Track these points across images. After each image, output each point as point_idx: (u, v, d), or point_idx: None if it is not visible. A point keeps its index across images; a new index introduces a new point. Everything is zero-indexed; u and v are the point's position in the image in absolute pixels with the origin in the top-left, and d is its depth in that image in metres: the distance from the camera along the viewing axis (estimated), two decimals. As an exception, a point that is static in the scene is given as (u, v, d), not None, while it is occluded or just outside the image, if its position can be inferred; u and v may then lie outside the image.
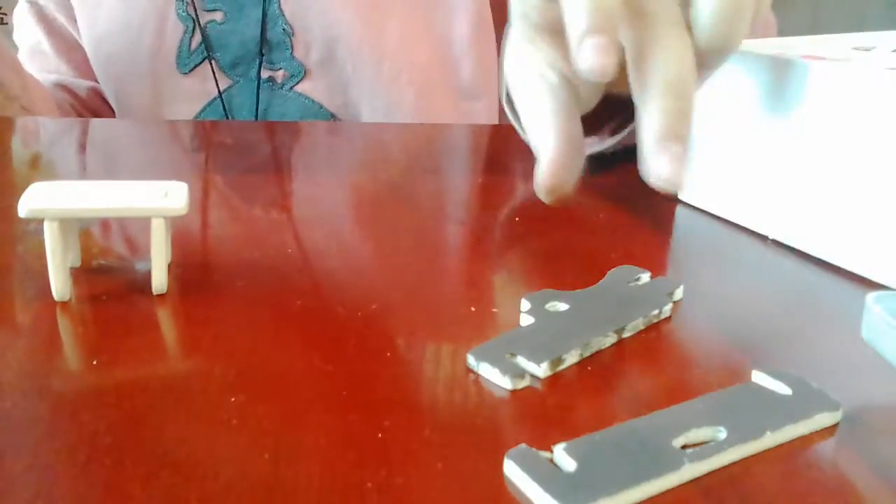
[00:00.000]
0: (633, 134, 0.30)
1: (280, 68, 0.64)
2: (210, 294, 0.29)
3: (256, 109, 0.64)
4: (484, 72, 0.64)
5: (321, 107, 0.64)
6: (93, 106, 0.71)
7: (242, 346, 0.26)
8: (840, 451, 0.21)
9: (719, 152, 0.37)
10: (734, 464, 0.21)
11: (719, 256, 0.34)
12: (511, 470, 0.20)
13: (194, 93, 0.65)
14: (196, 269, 0.31)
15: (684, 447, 0.21)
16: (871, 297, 0.26)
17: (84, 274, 0.30)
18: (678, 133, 0.29)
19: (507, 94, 0.42)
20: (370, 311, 0.28)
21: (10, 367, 0.24)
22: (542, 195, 0.32)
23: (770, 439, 0.21)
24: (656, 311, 0.27)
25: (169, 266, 0.30)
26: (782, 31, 0.39)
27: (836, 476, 0.20)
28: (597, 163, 0.46)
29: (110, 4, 0.65)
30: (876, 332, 0.26)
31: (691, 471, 0.20)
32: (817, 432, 0.22)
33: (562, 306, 0.28)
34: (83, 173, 0.45)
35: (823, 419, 0.22)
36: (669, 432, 0.21)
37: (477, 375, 0.24)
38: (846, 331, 0.27)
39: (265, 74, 0.64)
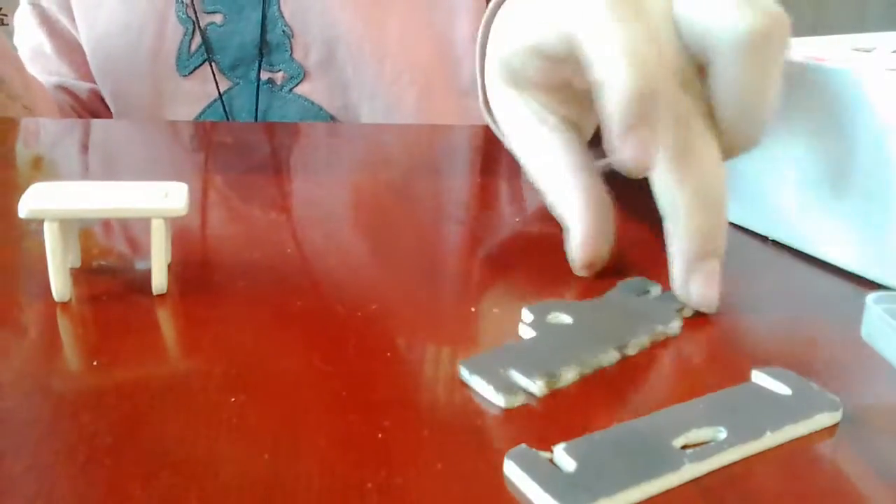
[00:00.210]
0: None
1: (280, 70, 0.64)
2: (210, 294, 0.29)
3: (256, 111, 0.64)
4: None
5: (321, 108, 0.64)
6: (93, 108, 0.71)
7: (242, 346, 0.26)
8: (840, 451, 0.21)
9: (719, 152, 0.37)
10: (734, 464, 0.21)
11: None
12: (511, 470, 0.20)
13: (194, 95, 0.65)
14: (196, 269, 0.31)
15: (684, 447, 0.21)
16: (871, 297, 0.26)
17: (84, 274, 0.30)
18: (713, 251, 0.28)
19: (485, 98, 0.40)
20: (370, 311, 0.28)
21: (11, 368, 0.24)
22: (579, 270, 0.31)
23: (770, 439, 0.21)
24: (662, 328, 0.26)
25: (169, 266, 0.30)
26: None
27: (836, 476, 0.20)
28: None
29: (110, 6, 0.65)
30: (876, 332, 0.26)
31: (691, 471, 0.20)
32: (817, 432, 0.22)
33: (565, 318, 0.27)
34: (83, 174, 0.45)
35: (823, 419, 0.22)
36: (669, 432, 0.21)
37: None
38: (846, 331, 0.27)
39: (265, 76, 0.64)
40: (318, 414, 0.22)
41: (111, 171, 0.47)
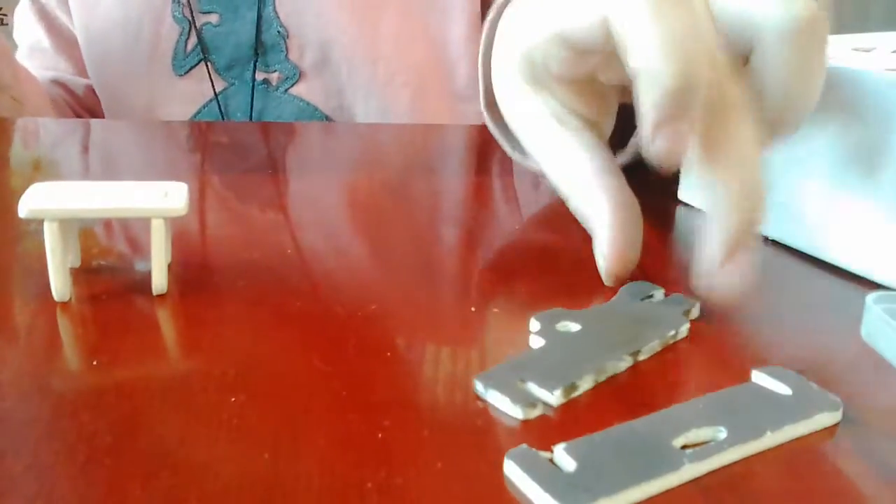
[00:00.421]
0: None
1: (275, 70, 0.64)
2: (210, 294, 0.29)
3: (251, 112, 0.65)
4: None
5: (316, 109, 0.64)
6: (89, 104, 0.71)
7: (242, 346, 0.26)
8: (840, 451, 0.21)
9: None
10: (734, 464, 0.21)
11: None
12: (511, 470, 0.20)
13: (189, 95, 0.65)
14: (196, 269, 0.31)
15: (684, 447, 0.21)
16: (871, 297, 0.26)
17: (84, 274, 0.30)
18: (748, 242, 0.27)
19: (487, 102, 0.40)
20: (370, 311, 0.28)
21: (10, 367, 0.24)
22: (608, 280, 0.30)
23: (770, 439, 0.21)
24: (672, 332, 0.26)
25: (169, 266, 0.30)
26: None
27: (836, 476, 0.20)
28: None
29: (107, 4, 0.65)
30: (876, 332, 0.26)
31: (691, 471, 0.20)
32: (817, 432, 0.22)
33: (573, 326, 0.26)
34: (83, 174, 0.45)
35: (823, 419, 0.22)
36: (669, 432, 0.21)
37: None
38: (846, 331, 0.27)
39: (260, 77, 0.64)
40: (318, 414, 0.22)
41: (110, 171, 0.47)
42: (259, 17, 0.63)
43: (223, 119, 0.65)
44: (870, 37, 0.37)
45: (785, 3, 0.26)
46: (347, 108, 0.64)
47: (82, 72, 0.69)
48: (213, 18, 0.64)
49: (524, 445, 0.20)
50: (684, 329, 0.27)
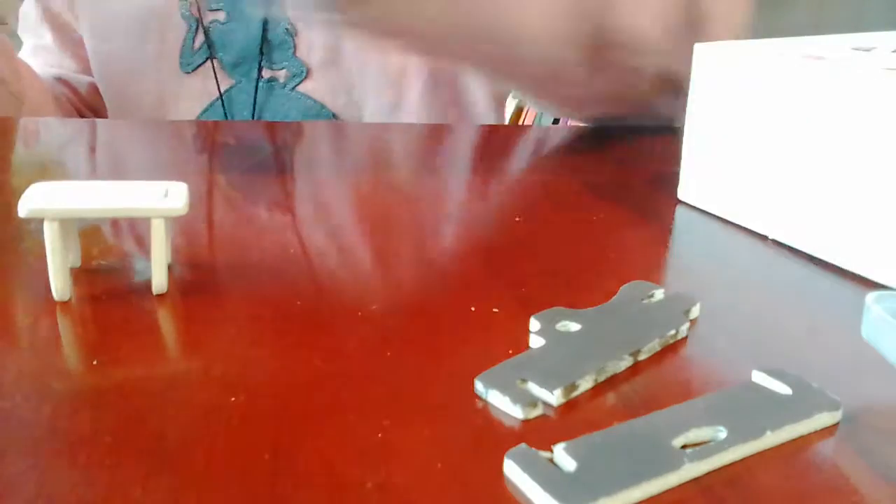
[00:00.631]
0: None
1: (282, 68, 0.64)
2: (210, 294, 0.29)
3: (254, 109, 0.65)
4: None
5: (323, 106, 0.64)
6: (92, 102, 0.71)
7: (242, 346, 0.26)
8: (840, 451, 0.21)
9: (719, 152, 0.37)
10: (734, 463, 0.21)
11: (719, 257, 0.34)
12: (511, 470, 0.20)
13: (197, 92, 0.65)
14: (196, 269, 0.31)
15: (684, 447, 0.21)
16: (871, 297, 0.26)
17: (84, 274, 0.30)
18: None
19: None
20: (370, 311, 0.28)
21: (11, 367, 0.24)
22: None
23: (770, 439, 0.21)
24: (673, 332, 0.26)
25: (169, 266, 0.30)
26: (782, 32, 0.39)
27: (836, 476, 0.20)
28: (594, 158, 0.46)
29: (113, 2, 0.65)
30: (876, 332, 0.26)
31: (691, 470, 0.20)
32: (817, 432, 0.22)
33: (573, 326, 0.26)
34: (83, 173, 0.45)
35: (823, 419, 0.22)
36: (669, 432, 0.21)
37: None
38: (846, 331, 0.27)
39: (267, 74, 0.64)
40: (318, 414, 0.22)
41: (111, 170, 0.47)
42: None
43: (227, 117, 0.65)
44: (870, 37, 0.37)
45: None
46: (355, 105, 0.64)
47: (86, 70, 0.69)
48: (220, 16, 0.64)
49: (524, 445, 0.20)
50: (684, 329, 0.27)
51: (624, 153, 0.48)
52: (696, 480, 0.20)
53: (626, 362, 0.25)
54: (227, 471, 0.20)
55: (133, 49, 0.65)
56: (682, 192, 0.39)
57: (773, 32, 0.39)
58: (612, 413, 0.23)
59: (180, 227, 0.35)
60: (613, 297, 0.29)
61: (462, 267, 0.33)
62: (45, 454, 0.20)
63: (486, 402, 0.23)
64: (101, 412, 0.22)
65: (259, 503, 0.19)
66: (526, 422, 0.22)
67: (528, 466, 0.20)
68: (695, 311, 0.28)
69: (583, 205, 0.39)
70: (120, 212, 0.28)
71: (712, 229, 0.36)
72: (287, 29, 0.63)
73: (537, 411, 0.22)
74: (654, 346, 0.26)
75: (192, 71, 0.65)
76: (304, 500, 0.19)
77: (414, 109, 0.64)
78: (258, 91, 0.64)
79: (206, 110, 0.66)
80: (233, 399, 0.23)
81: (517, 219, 0.38)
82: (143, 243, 0.33)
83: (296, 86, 0.64)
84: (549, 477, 0.19)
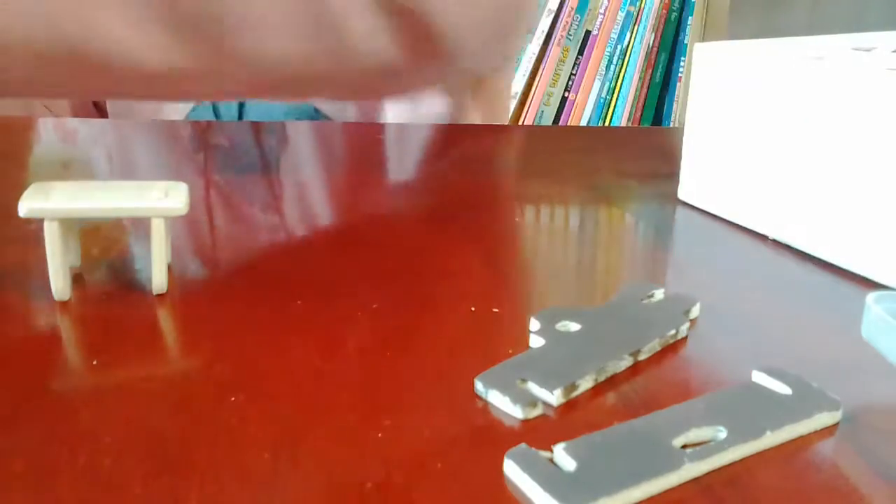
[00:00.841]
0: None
1: None
2: (210, 294, 0.29)
3: (240, 109, 0.65)
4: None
5: (311, 106, 0.64)
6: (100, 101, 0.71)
7: (242, 346, 0.26)
8: (840, 450, 0.21)
9: (719, 152, 0.37)
10: (734, 463, 0.21)
11: (719, 257, 0.34)
12: (511, 470, 0.20)
13: None
14: (196, 269, 0.31)
15: (684, 447, 0.21)
16: (871, 297, 0.26)
17: (84, 274, 0.30)
18: None
19: None
20: (370, 311, 0.28)
21: (11, 367, 0.24)
22: None
23: (770, 439, 0.21)
24: (672, 332, 0.26)
25: (169, 266, 0.30)
26: (782, 31, 0.39)
27: (835, 476, 0.20)
28: (594, 158, 0.46)
29: None
30: (876, 332, 0.26)
31: (691, 470, 0.20)
32: (817, 432, 0.22)
33: (573, 326, 0.26)
34: (83, 174, 0.45)
35: (823, 419, 0.22)
36: (669, 432, 0.21)
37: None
38: (846, 331, 0.27)
39: None
40: (318, 414, 0.22)
41: (110, 170, 0.47)
42: None
43: (216, 115, 0.65)
44: (870, 36, 0.37)
45: None
46: (343, 105, 0.64)
47: None
48: None
49: (524, 445, 0.20)
50: (684, 329, 0.27)
51: (624, 153, 0.48)
52: (696, 480, 0.20)
53: (626, 362, 0.25)
54: (226, 471, 0.20)
55: None
56: (682, 192, 0.39)
57: (772, 32, 0.38)
58: (612, 413, 0.23)
59: (180, 227, 0.35)
60: (613, 297, 0.29)
61: (462, 266, 0.33)
62: (45, 454, 0.20)
63: (486, 402, 0.23)
64: (101, 412, 0.22)
65: (259, 503, 0.19)
66: (526, 422, 0.22)
67: (528, 466, 0.20)
68: (695, 311, 0.28)
69: (582, 205, 0.39)
70: (120, 212, 0.28)
71: (712, 229, 0.36)
72: None
73: (537, 411, 0.22)
74: (654, 345, 0.26)
75: None
76: (304, 500, 0.19)
77: (406, 109, 0.64)
78: None
79: (193, 110, 0.66)
80: (233, 399, 0.23)
81: (517, 218, 0.38)
82: (142, 243, 0.33)
83: None
84: (549, 477, 0.19)
